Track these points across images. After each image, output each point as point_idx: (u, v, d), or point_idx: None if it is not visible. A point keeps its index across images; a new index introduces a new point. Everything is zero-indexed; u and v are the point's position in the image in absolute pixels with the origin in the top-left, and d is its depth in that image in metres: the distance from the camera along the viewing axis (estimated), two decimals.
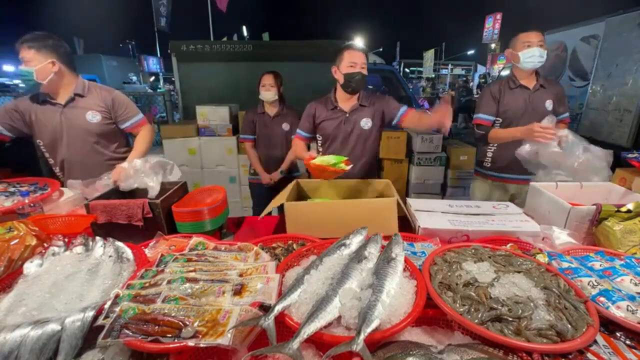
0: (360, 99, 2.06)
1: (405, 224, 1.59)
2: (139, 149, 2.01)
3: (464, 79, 18.70)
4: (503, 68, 9.33)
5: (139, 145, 2.03)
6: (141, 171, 1.67)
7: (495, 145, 2.27)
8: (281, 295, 0.87)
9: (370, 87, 7.68)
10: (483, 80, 15.11)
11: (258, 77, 2.70)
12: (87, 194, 1.76)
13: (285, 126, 2.78)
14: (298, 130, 2.20)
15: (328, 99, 2.10)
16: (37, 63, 1.75)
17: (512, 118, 2.14)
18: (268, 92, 2.65)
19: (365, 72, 1.93)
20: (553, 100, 2.14)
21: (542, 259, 1.13)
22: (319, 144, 2.20)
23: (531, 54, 2.02)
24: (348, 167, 1.71)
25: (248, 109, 2.88)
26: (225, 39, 10.79)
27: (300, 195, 1.91)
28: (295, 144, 2.25)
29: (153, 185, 1.65)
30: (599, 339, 0.83)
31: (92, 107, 1.94)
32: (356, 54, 1.92)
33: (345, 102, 2.06)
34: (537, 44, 2.02)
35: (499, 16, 18.51)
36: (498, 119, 2.20)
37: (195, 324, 0.75)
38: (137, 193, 1.70)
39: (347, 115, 2.05)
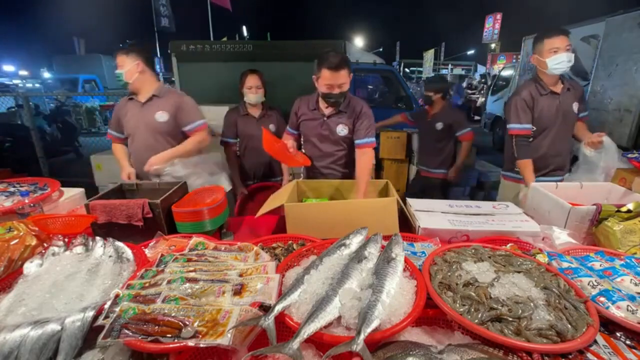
0: (341, 104, 1.97)
1: (405, 224, 1.59)
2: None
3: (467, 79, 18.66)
4: (503, 68, 9.30)
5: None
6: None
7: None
8: (281, 295, 0.87)
9: (370, 87, 7.70)
10: (483, 80, 14.98)
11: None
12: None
13: (272, 127, 2.59)
14: (287, 127, 2.18)
15: (311, 98, 2.05)
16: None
17: (546, 125, 2.09)
18: (255, 95, 2.48)
19: (344, 88, 1.83)
20: (577, 101, 2.11)
21: (542, 259, 1.13)
22: (302, 141, 2.17)
23: (559, 60, 1.93)
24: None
25: (230, 110, 2.69)
26: (225, 39, 10.82)
27: (300, 195, 1.91)
28: (283, 139, 2.17)
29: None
30: (599, 339, 0.83)
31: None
32: (333, 75, 1.76)
33: (326, 105, 2.00)
34: (565, 49, 1.92)
35: (499, 16, 18.55)
36: (532, 127, 2.11)
37: (195, 324, 0.75)
38: (137, 193, 1.70)
39: (325, 118, 1.99)
